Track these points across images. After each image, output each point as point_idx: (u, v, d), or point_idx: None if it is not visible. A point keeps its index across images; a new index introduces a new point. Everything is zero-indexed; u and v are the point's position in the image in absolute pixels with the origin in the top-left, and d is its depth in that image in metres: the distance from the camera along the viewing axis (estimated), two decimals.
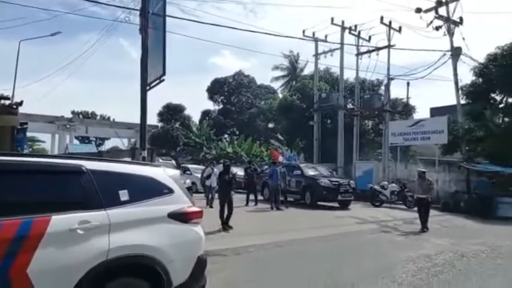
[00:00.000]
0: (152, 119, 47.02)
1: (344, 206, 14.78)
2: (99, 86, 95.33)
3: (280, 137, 30.14)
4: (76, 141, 54.57)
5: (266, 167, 18.77)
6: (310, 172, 15.69)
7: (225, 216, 9.32)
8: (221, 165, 17.30)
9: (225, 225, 9.11)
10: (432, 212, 15.02)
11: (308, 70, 37.90)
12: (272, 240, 8.31)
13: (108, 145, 62.18)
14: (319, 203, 14.89)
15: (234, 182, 10.59)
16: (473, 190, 15.34)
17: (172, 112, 42.30)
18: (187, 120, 41.83)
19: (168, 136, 38.98)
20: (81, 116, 64.54)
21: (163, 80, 7.17)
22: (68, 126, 40.87)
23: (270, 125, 42.18)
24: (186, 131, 37.72)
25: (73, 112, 65.04)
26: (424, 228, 10.63)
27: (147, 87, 7.62)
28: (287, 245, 8.08)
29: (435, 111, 29.17)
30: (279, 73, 44.28)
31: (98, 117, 68.59)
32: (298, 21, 58.33)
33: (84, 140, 60.99)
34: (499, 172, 15.43)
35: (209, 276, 5.94)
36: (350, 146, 21.15)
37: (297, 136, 26.69)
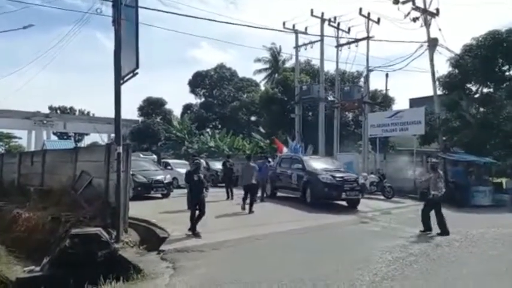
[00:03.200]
0: (132, 114, 46.34)
1: (351, 205, 12.65)
2: (78, 80, 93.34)
3: (262, 130, 30.13)
4: (54, 137, 53.31)
5: (270, 159, 18.28)
6: (313, 166, 13.51)
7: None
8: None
9: (193, 232, 8.26)
10: (409, 202, 15.54)
11: (290, 63, 37.98)
12: (250, 234, 8.32)
13: (88, 141, 60.81)
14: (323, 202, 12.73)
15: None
16: (450, 179, 15.65)
17: (153, 106, 41.73)
18: (168, 114, 41.37)
19: (148, 131, 38.50)
20: (59, 111, 63.07)
21: (136, 73, 7.01)
22: (44, 122, 39.88)
23: (253, 118, 42.10)
24: (167, 126, 37.33)
25: (51, 107, 63.45)
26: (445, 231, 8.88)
27: (121, 81, 7.43)
28: (265, 238, 8.09)
29: (414, 102, 29.64)
30: (261, 66, 44.12)
31: (77, 113, 67.16)
32: (278, 14, 58.21)
33: (62, 135, 59.64)
34: (475, 161, 15.83)
35: (187, 272, 5.96)
36: (331, 138, 21.31)
37: (279, 129, 26.73)
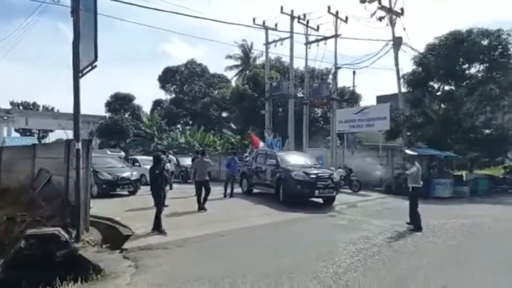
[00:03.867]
0: (100, 110, 44.95)
1: (327, 202, 12.20)
2: (41, 74, 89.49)
3: (233, 126, 30.02)
4: (17, 134, 50.92)
5: (246, 154, 18.20)
6: (287, 162, 12.88)
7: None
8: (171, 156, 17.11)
9: (159, 230, 7.99)
10: (376, 195, 15.95)
11: (261, 60, 37.95)
12: (216, 230, 8.22)
13: (53, 137, 58.41)
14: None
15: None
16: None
17: (121, 102, 40.66)
18: (137, 110, 40.44)
19: (117, 127, 37.49)
20: (21, 107, 60.31)
21: (95, 66, 6.72)
22: (5, 118, 37.97)
23: (224, 114, 41.83)
24: (136, 122, 36.48)
25: (12, 103, 60.62)
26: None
27: (80, 74, 7.12)
28: (231, 234, 8.01)
29: (381, 99, 30.49)
30: (232, 62, 43.87)
31: (41, 108, 64.48)
32: (249, 11, 58.06)
33: (25, 132, 57.04)
34: (436, 155, 16.42)
35: (149, 271, 5.81)
36: (301, 134, 21.51)
37: (250, 125, 26.69)
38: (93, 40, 6.52)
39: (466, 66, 18.58)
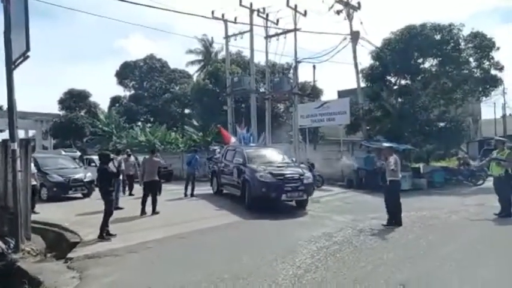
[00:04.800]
0: (53, 107, 42.56)
1: (299, 205, 10.89)
2: None
3: (195, 122, 29.30)
4: None
5: (218, 150, 16.78)
6: (255, 159, 11.53)
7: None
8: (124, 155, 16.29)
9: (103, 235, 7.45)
10: (337, 190, 16.06)
11: (222, 54, 37.33)
12: (172, 233, 7.81)
13: (4, 137, 54.58)
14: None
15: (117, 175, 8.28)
16: (362, 166, 16.40)
17: (75, 99, 38.60)
18: (93, 107, 38.58)
19: (72, 125, 35.55)
20: None
21: (28, 56, 6.07)
22: None
23: (187, 111, 40.89)
24: (92, 119, 34.79)
25: None
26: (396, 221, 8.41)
27: (13, 66, 6.42)
28: (188, 236, 7.63)
29: (342, 94, 30.90)
30: (193, 57, 43.00)
31: None
32: (207, 4, 56.98)
33: None
34: (395, 148, 16.73)
35: (94, 282, 5.32)
36: (263, 129, 21.30)
37: (212, 121, 26.11)
38: (24, 28, 5.86)
39: (420, 60, 19.11)
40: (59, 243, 7.71)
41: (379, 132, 19.82)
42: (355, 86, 20.12)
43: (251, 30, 21.37)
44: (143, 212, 9.86)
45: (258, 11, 20.76)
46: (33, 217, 9.24)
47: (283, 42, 20.40)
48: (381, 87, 19.73)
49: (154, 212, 9.90)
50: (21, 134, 45.75)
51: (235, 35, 22.41)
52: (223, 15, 21.80)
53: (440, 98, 20.04)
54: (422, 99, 19.65)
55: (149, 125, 36.11)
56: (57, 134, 37.21)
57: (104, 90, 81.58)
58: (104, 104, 42.48)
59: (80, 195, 14.07)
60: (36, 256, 6.60)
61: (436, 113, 20.42)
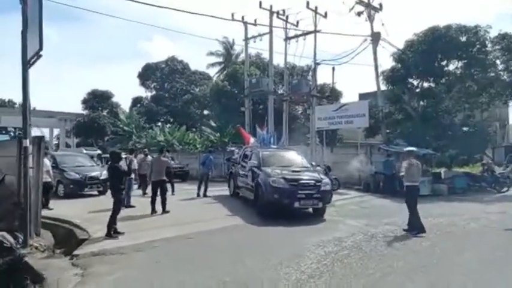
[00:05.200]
0: (77, 107, 43.73)
1: (316, 212, 10.02)
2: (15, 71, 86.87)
3: (213, 123, 29.41)
4: None
5: (236, 150, 16.55)
6: (271, 162, 10.80)
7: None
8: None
9: (114, 233, 7.46)
10: (354, 193, 15.69)
11: (242, 56, 37.44)
12: (180, 233, 7.75)
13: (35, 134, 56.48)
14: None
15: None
16: (380, 170, 15.98)
17: (98, 99, 39.58)
18: (115, 107, 39.39)
19: (94, 125, 36.48)
20: None
21: (41, 55, 6.17)
22: None
23: (206, 112, 41.18)
24: (113, 119, 35.50)
25: None
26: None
27: (28, 65, 6.53)
28: (197, 236, 7.55)
29: (363, 97, 30.31)
30: (214, 59, 43.27)
31: (17, 105, 62.58)
32: (228, 8, 57.26)
33: (1, 130, 55.18)
34: (414, 152, 16.22)
35: (96, 280, 5.30)
36: (280, 131, 21.12)
37: (230, 122, 26.14)
38: (38, 28, 5.94)
39: (444, 62, 18.54)
40: (68, 240, 7.76)
41: (399, 135, 19.29)
42: (376, 88, 19.68)
43: (270, 32, 21.28)
44: (153, 211, 9.88)
45: (278, 13, 20.67)
46: (46, 213, 9.44)
47: (302, 44, 20.27)
48: (403, 90, 19.25)
49: (164, 211, 9.88)
50: (46, 132, 47.26)
51: (254, 37, 22.41)
52: (243, 18, 21.80)
53: (465, 101, 19.36)
54: (445, 102, 19.03)
55: (169, 125, 36.55)
56: (80, 133, 38.22)
57: (127, 91, 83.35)
58: (126, 105, 43.41)
59: (95, 192, 14.26)
60: (43, 252, 6.66)
61: (460, 117, 19.74)
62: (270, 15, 20.92)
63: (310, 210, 10.15)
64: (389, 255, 6.29)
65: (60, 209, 10.73)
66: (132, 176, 10.79)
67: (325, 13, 19.89)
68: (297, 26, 20.88)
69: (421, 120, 18.11)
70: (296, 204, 9.44)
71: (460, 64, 18.45)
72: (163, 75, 43.67)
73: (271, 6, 20.72)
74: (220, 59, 43.57)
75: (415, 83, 19.46)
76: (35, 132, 47.43)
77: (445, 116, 18.71)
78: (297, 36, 20.51)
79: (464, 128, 19.13)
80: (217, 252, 6.59)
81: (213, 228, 8.30)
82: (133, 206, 10.59)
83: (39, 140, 7.44)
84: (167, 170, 15.20)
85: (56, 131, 46.19)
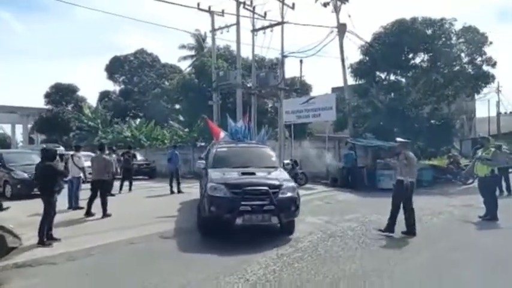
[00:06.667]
0: (39, 101, 41.74)
1: (285, 228, 7.43)
2: None
3: (181, 118, 28.56)
4: None
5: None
6: (225, 161, 8.37)
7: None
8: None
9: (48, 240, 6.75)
10: (321, 188, 15.40)
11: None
12: (125, 237, 7.11)
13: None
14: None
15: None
16: (343, 164, 15.84)
17: (62, 93, 37.80)
18: (80, 101, 37.74)
19: (58, 120, 34.77)
20: None
21: None
22: None
23: (177, 106, 40.09)
24: (78, 114, 33.98)
25: None
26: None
27: None
28: (139, 241, 6.92)
29: (336, 91, 30.17)
30: (186, 52, 42.10)
31: None
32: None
33: None
34: (380, 146, 16.13)
35: None
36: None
37: (198, 117, 25.41)
38: None
39: (411, 55, 18.47)
40: None
41: (367, 129, 19.17)
42: (349, 81, 19.41)
43: (238, 23, 20.63)
44: (89, 213, 9.16)
45: (245, 3, 20.03)
46: None
47: (270, 36, 19.81)
48: (370, 83, 19.08)
49: (105, 214, 9.08)
50: (7, 128, 44.97)
51: (221, 28, 21.70)
52: (209, 8, 21.08)
53: (431, 94, 19.42)
54: (412, 95, 19.03)
55: (138, 120, 35.32)
56: (43, 129, 36.41)
57: (95, 86, 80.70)
58: (93, 100, 41.73)
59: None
60: None
61: (427, 110, 19.78)
62: (236, 5, 20.25)
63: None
64: (344, 257, 5.89)
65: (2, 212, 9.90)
66: (71, 176, 9.90)
67: (293, 4, 19.44)
68: (264, 17, 20.35)
69: (389, 113, 18.01)
70: (238, 221, 6.71)
71: (426, 57, 18.44)
72: (131, 68, 42.23)
73: None
74: (193, 52, 42.46)
75: (383, 76, 19.36)
76: (6, 128, 44.86)
77: (412, 109, 18.70)
78: (264, 28, 19.98)
79: (432, 121, 19.19)
80: (155, 260, 5.95)
81: (159, 231, 7.63)
82: (81, 208, 9.82)
83: None
84: (127, 167, 14.64)
85: (18, 127, 44.02)
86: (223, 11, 21.28)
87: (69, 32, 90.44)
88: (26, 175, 12.67)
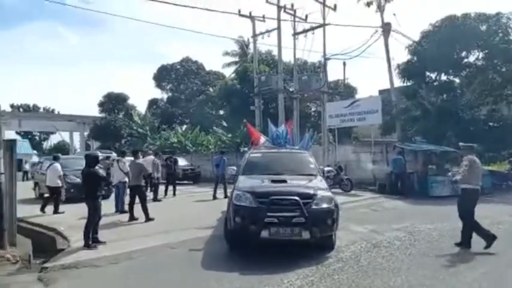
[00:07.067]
0: (94, 109, 44.35)
1: (323, 245, 6.61)
2: (42, 76, 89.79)
3: (225, 123, 28.89)
4: (18, 137, 50.80)
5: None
6: (257, 167, 7.67)
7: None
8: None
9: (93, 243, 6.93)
10: (368, 195, 14.79)
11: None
12: (167, 241, 7.21)
13: (54, 140, 57.94)
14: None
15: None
16: (391, 169, 15.02)
17: (114, 102, 39.88)
18: (130, 109, 39.56)
19: (110, 128, 36.71)
20: (21, 110, 60.11)
21: None
22: None
23: (221, 112, 40.76)
24: (128, 122, 35.62)
25: (12, 106, 60.44)
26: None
27: None
28: (179, 246, 6.96)
29: (384, 93, 29.10)
30: (230, 59, 42.79)
31: (41, 110, 64.35)
32: (237, 3, 56.73)
33: (27, 135, 56.76)
34: (432, 151, 15.19)
35: None
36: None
37: (241, 122, 25.59)
38: None
39: (463, 53, 17.29)
40: (49, 249, 7.37)
41: (416, 132, 18.18)
42: (396, 83, 18.59)
43: (278, 28, 20.61)
44: (132, 217, 9.37)
45: (285, 7, 19.96)
46: (34, 219, 9.12)
47: (311, 39, 19.57)
48: (419, 84, 18.11)
49: (147, 218, 9.24)
50: (66, 136, 48.16)
51: (262, 33, 21.83)
52: (250, 13, 21.25)
53: (488, 94, 18.01)
54: (467, 96, 17.78)
55: (184, 126, 36.33)
56: (97, 136, 38.58)
57: (144, 94, 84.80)
58: (143, 107, 43.58)
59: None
60: (15, 263, 6.24)
61: (484, 112, 18.38)
62: (277, 9, 20.23)
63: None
64: (388, 270, 5.51)
65: (55, 215, 10.54)
66: (126, 180, 10.30)
67: (335, 5, 19.14)
68: (305, 20, 20.11)
69: (440, 115, 16.92)
70: (264, 234, 5.97)
71: (481, 55, 17.16)
72: (178, 76, 43.63)
73: (278, 1, 20.04)
74: (236, 59, 43.04)
75: (433, 76, 18.27)
76: (65, 136, 48.13)
77: (467, 110, 17.43)
78: (305, 31, 19.74)
79: (490, 123, 17.79)
80: (195, 266, 5.93)
81: (200, 236, 7.65)
82: (126, 212, 10.14)
83: (12, 144, 7.05)
84: (170, 172, 14.99)
85: (76, 135, 47.05)
86: (263, 16, 21.38)
87: (119, 43, 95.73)
88: (78, 180, 13.35)
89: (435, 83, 18.14)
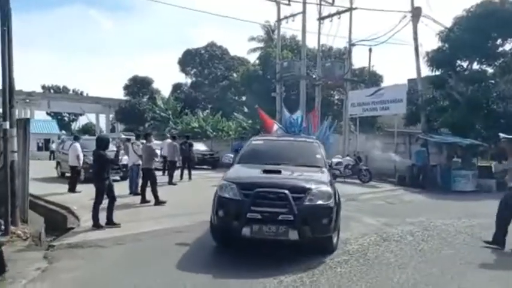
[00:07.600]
0: (119, 92, 45.15)
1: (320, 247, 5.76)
2: (74, 59, 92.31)
3: (246, 109, 28.78)
4: (48, 118, 52.55)
5: None
6: (254, 157, 6.77)
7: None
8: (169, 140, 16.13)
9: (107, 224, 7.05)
10: (386, 187, 14.38)
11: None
12: (174, 225, 7.22)
13: (82, 121, 59.55)
14: None
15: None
16: (414, 161, 14.47)
17: (139, 85, 40.43)
18: (155, 93, 40.04)
19: (134, 111, 37.36)
20: (52, 91, 61.97)
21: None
22: (27, 100, 38.73)
23: (243, 98, 40.60)
24: (152, 105, 36.10)
25: (43, 87, 62.42)
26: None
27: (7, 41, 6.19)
28: (186, 230, 6.95)
29: (413, 82, 28.04)
30: (255, 44, 42.34)
31: (71, 92, 66.15)
32: None
33: (56, 116, 58.67)
34: (457, 143, 14.52)
35: (54, 276, 4.86)
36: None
37: (262, 108, 25.36)
38: None
39: (499, 41, 16.27)
40: (61, 227, 7.55)
41: (443, 124, 17.39)
42: (426, 73, 17.73)
43: (304, 12, 20.06)
44: (144, 200, 9.47)
45: None
46: (49, 198, 9.35)
47: (337, 24, 18.92)
48: (449, 73, 17.25)
49: (157, 201, 9.31)
50: (92, 117, 49.40)
51: (286, 17, 21.30)
52: None
53: None
54: (500, 87, 16.80)
55: (206, 111, 36.47)
56: (122, 119, 39.39)
57: (169, 78, 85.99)
58: (167, 91, 44.00)
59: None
60: (25, 240, 6.40)
61: None
62: None
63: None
64: (395, 265, 5.26)
65: (73, 194, 10.85)
66: (139, 162, 10.42)
67: None
68: (332, 3, 19.48)
69: (469, 107, 16.06)
70: (245, 232, 5.19)
71: None
72: (202, 61, 43.60)
73: None
74: (262, 44, 42.52)
75: (464, 65, 17.33)
76: (91, 117, 49.50)
77: (499, 102, 16.48)
78: (331, 15, 19.13)
79: None
80: (199, 249, 5.90)
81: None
82: (139, 194, 10.25)
83: (25, 123, 7.16)
84: (185, 155, 15.00)
85: (102, 117, 48.24)
86: (289, 0, 20.82)
87: (146, 27, 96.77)
88: None
89: (466, 72, 17.21)
